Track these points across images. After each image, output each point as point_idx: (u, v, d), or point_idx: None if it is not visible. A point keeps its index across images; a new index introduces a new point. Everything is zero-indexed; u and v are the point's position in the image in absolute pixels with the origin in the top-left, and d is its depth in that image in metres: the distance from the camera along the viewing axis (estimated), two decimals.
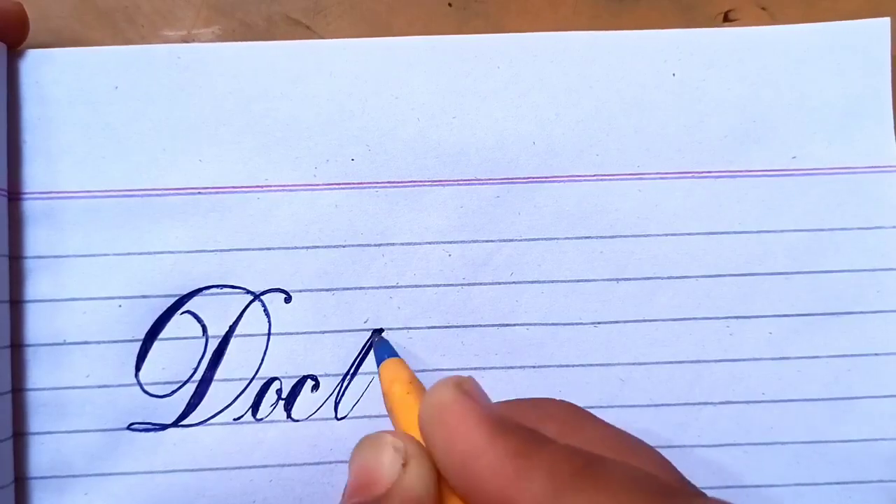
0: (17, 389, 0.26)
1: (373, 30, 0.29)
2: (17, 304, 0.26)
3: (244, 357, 0.27)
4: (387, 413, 0.22)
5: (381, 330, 0.27)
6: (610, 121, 0.28)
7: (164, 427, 0.27)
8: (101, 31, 0.28)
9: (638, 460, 0.19)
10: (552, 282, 0.28)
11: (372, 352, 0.27)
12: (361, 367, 0.27)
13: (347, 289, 0.27)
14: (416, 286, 0.27)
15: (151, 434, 0.27)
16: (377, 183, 0.27)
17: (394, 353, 0.25)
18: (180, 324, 0.27)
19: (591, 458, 0.16)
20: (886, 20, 0.28)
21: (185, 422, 0.27)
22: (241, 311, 0.27)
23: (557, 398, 0.23)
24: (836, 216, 0.28)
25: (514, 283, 0.27)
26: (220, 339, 0.27)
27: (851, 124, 0.28)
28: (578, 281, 0.28)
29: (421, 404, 0.18)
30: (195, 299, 0.27)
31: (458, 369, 0.27)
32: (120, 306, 0.27)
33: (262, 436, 0.27)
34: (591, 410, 0.21)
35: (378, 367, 0.24)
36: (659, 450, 0.21)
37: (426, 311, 0.27)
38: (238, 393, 0.27)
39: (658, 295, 0.28)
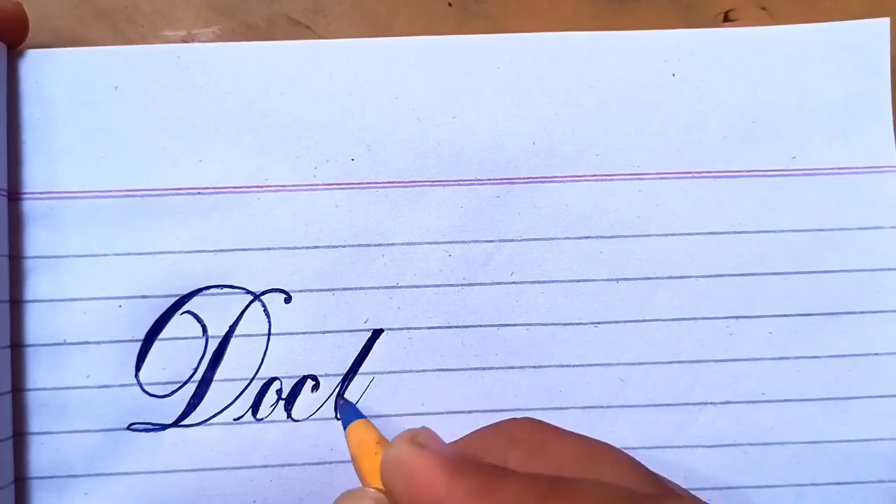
0: (17, 389, 0.26)
1: (373, 30, 0.29)
2: (16, 304, 0.26)
3: (244, 357, 0.27)
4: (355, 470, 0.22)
5: (346, 392, 0.27)
6: (610, 121, 0.28)
7: (164, 427, 0.27)
8: (101, 31, 0.28)
9: (606, 470, 0.19)
10: (552, 282, 0.28)
11: (338, 413, 0.27)
12: (361, 368, 0.27)
13: (347, 289, 0.27)
14: (416, 286, 0.27)
15: (151, 434, 0.27)
16: (377, 183, 0.27)
17: (359, 415, 0.25)
18: (180, 324, 0.27)
19: (554, 482, 0.17)
20: (886, 20, 0.28)
21: (185, 422, 0.27)
22: (241, 311, 0.27)
23: (520, 416, 0.23)
24: (835, 216, 0.28)
25: (514, 283, 0.27)
26: (220, 339, 0.27)
27: (851, 124, 0.28)
28: (578, 281, 0.28)
29: (381, 463, 0.19)
30: (195, 299, 0.27)
31: (458, 369, 0.27)
32: (120, 306, 0.27)
33: (263, 436, 0.27)
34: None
35: (344, 430, 0.24)
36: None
37: (426, 311, 0.27)
38: (238, 393, 0.27)
39: (658, 295, 0.28)
